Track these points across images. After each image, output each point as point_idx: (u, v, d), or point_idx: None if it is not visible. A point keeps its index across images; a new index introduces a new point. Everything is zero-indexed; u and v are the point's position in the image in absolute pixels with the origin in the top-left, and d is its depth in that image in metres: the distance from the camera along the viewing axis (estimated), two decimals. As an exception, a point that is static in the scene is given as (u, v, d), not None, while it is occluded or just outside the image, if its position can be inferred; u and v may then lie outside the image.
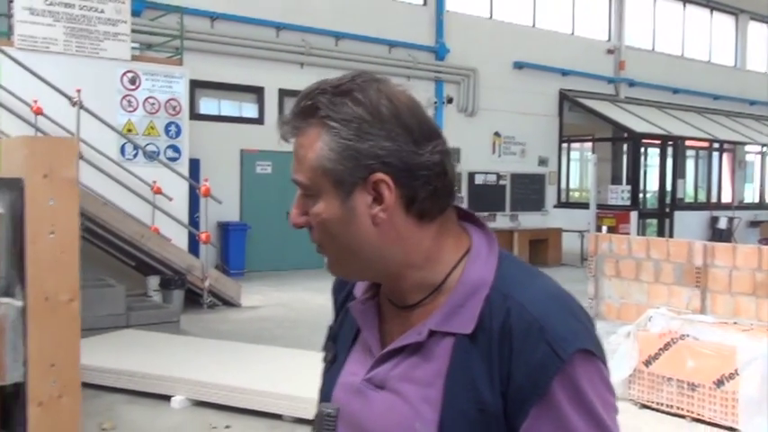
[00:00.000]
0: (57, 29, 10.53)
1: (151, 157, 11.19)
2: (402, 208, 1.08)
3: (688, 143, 20.18)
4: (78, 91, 9.87)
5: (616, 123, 18.85)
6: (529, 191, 18.64)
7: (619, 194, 17.96)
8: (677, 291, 6.91)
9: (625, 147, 19.89)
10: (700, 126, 20.58)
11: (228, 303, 10.48)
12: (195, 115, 13.25)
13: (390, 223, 1.09)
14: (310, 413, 4.46)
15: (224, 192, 12.27)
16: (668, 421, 5.62)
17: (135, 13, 11.99)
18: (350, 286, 1.28)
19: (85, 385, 3.60)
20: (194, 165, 12.58)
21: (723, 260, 6.61)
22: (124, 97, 11.25)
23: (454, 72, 17.11)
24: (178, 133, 11.80)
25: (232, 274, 12.25)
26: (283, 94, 14.81)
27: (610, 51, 20.52)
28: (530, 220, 17.49)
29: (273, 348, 7.49)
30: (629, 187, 18.12)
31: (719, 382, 5.42)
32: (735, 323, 5.95)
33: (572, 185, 21.35)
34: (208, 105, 14.23)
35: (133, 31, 11.42)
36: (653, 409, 5.75)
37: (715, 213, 19.88)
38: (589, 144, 21.13)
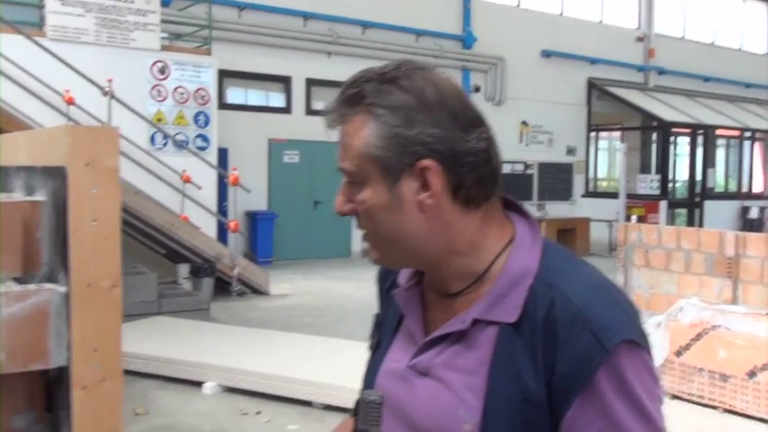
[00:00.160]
0: (87, 19, 10.64)
1: (180, 146, 11.29)
2: (448, 195, 1.09)
3: (718, 132, 19.92)
4: (109, 81, 9.98)
5: (645, 112, 18.66)
6: (556, 180, 18.53)
7: (648, 184, 17.79)
8: (708, 281, 6.85)
9: (654, 135, 19.68)
10: (730, 114, 20.30)
11: (257, 291, 10.56)
12: (223, 105, 13.32)
13: (437, 210, 1.09)
14: (340, 400, 4.52)
15: (252, 181, 12.34)
16: (699, 412, 5.58)
17: (164, 4, 12.07)
18: (394, 275, 1.29)
19: (119, 371, 3.67)
20: (222, 154, 12.67)
21: (755, 250, 6.54)
22: (154, 87, 11.34)
23: (481, 61, 17.02)
24: (207, 122, 11.88)
25: (260, 262, 12.34)
26: (311, 83, 14.83)
27: (639, 39, 20.28)
28: (557, 210, 17.39)
29: (302, 336, 7.55)
30: (658, 176, 17.93)
31: (752, 373, 5.37)
32: (767, 314, 5.89)
33: (600, 175, 21.16)
34: (235, 95, 14.29)
35: (162, 21, 11.49)
36: (684, 399, 5.72)
37: (746, 203, 19.62)
38: (617, 133, 20.94)
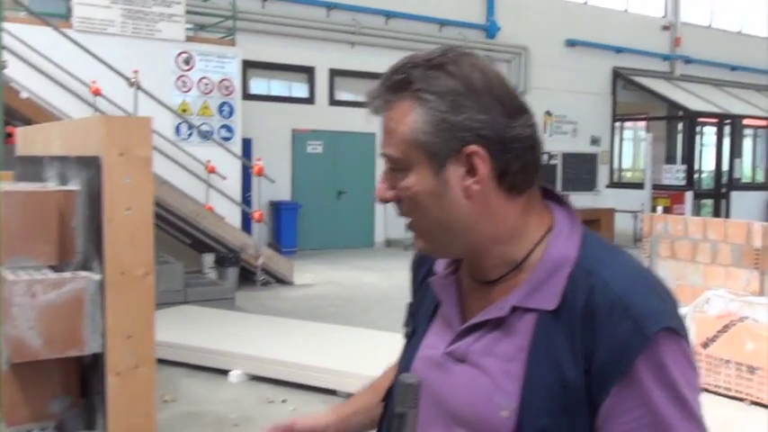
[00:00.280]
0: (113, 10, 10.72)
1: (205, 136, 11.36)
2: (494, 181, 1.09)
3: (746, 122, 19.66)
4: (135, 72, 10.06)
5: (671, 101, 18.47)
6: (580, 170, 18.40)
7: (673, 174, 17.63)
8: (735, 272, 6.79)
9: (680, 125, 19.48)
10: (758, 104, 20.02)
11: (281, 281, 10.62)
12: (247, 95, 13.37)
13: (482, 196, 1.10)
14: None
15: (275, 171, 12.39)
16: (726, 404, 5.55)
17: (188, -6, 12.14)
18: (429, 263, 1.30)
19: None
20: (246, 144, 12.73)
21: (784, 241, 6.47)
22: (179, 78, 11.41)
23: (505, 50, 16.92)
24: (231, 113, 11.94)
25: (284, 252, 12.40)
26: (334, 73, 14.84)
27: (665, 28, 20.05)
28: (581, 201, 17.27)
29: (327, 325, 7.59)
30: (684, 167, 17.76)
31: (779, 365, 5.32)
32: (795, 305, 5.83)
33: (624, 165, 20.99)
34: (259, 85, 14.34)
35: (187, 12, 11.55)
36: (711, 391, 5.68)
37: (773, 194, 19.40)
38: (643, 123, 20.73)
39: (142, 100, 10.19)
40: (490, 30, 16.76)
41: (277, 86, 14.72)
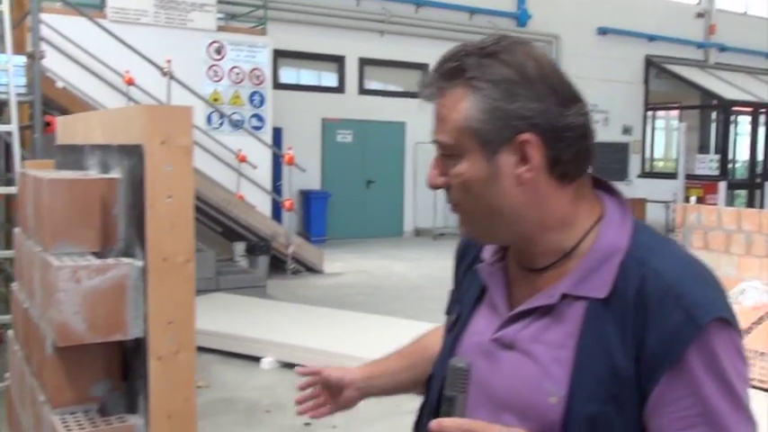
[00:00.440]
0: (146, 1, 10.81)
1: (236, 125, 11.43)
2: (546, 169, 1.10)
3: (782, 110, 19.35)
4: (169, 61, 10.14)
5: (705, 90, 18.21)
6: (612, 160, 18.23)
7: (707, 164, 17.40)
8: (770, 263, 6.70)
9: (714, 114, 19.21)
10: (794, 93, 19.69)
11: (311, 270, 10.68)
12: (277, 84, 13.42)
13: (533, 184, 1.10)
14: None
15: (305, 160, 12.43)
16: (762, 397, 5.48)
17: (220, -16, 12.20)
18: (475, 251, 1.31)
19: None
20: (277, 133, 12.79)
21: (820, 232, 6.37)
22: (210, 67, 11.49)
23: (536, 39, 16.74)
24: (262, 102, 12.00)
25: (313, 241, 12.46)
26: (364, 62, 14.83)
27: (699, 15, 19.75)
28: (612, 190, 17.11)
29: (357, 314, 7.63)
30: (717, 156, 17.53)
31: (815, 358, 5.25)
32: (832, 297, 5.75)
33: (656, 155, 20.76)
34: (288, 74, 14.38)
35: (218, 1, 11.61)
36: (743, 383, 5.61)
37: (810, 184, 19.06)
38: (675, 112, 20.47)
39: (174, 89, 10.28)
40: (521, 18, 16.64)
41: (307, 76, 14.76)
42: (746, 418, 1.05)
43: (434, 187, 1.15)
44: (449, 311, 1.35)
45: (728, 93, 17.95)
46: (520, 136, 1.08)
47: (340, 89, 14.77)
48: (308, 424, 4.96)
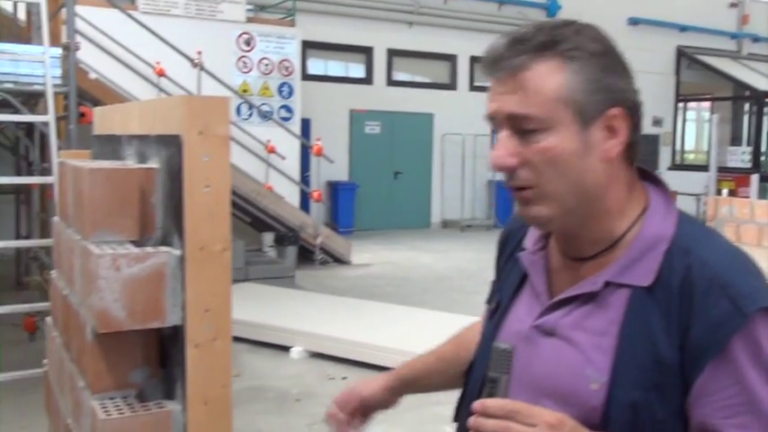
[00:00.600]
0: (177, -8, 10.89)
1: (265, 116, 11.48)
2: (623, 148, 1.11)
3: (816, 102, 19.02)
4: (199, 53, 10.21)
5: (738, 81, 17.94)
6: (642, 152, 17.75)
7: (739, 156, 17.17)
8: (804, 257, 6.61)
9: (746, 106, 18.93)
10: (830, 84, 19.34)
11: (339, 260, 10.72)
12: (306, 76, 13.45)
13: (613, 163, 1.11)
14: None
15: (333, 151, 12.46)
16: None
17: (249, -25, 12.23)
18: (517, 239, 1.31)
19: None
20: (305, 124, 12.82)
21: None
22: (240, 58, 11.54)
23: (566, 29, 16.62)
24: (290, 93, 12.04)
25: (341, 232, 12.50)
26: (392, 53, 14.80)
27: (732, 4, 19.43)
28: (642, 182, 16.95)
29: (386, 304, 7.65)
30: (749, 149, 17.28)
31: None
32: None
33: (687, 147, 20.51)
34: (316, 65, 14.40)
35: (247, -8, 11.67)
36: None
37: None
38: (707, 104, 20.21)
39: (204, 80, 10.34)
40: (551, 8, 16.49)
41: (335, 67, 14.77)
42: None
43: (503, 169, 1.11)
44: (489, 300, 1.35)
45: (762, 84, 17.67)
46: (611, 110, 1.09)
47: (368, 80, 14.77)
48: (336, 413, 4.99)
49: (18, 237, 8.84)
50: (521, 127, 1.09)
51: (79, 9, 8.04)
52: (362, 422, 1.55)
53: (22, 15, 7.99)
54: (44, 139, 6.58)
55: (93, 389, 1.60)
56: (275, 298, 7.69)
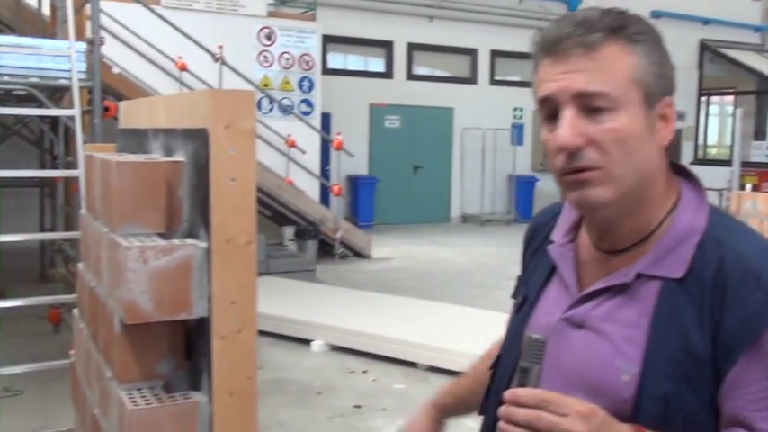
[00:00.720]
0: (198, -13, 10.93)
1: (286, 111, 11.51)
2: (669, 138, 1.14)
3: (842, 96, 18.78)
4: (220, 47, 10.25)
5: (762, 75, 17.73)
6: (663, 146, 17.90)
7: (762, 151, 16.97)
8: (829, 252, 6.54)
9: (771, 100, 18.74)
10: None
11: (359, 254, 10.74)
12: (326, 70, 13.46)
13: (663, 151, 1.13)
14: (444, 362, 4.57)
15: (353, 145, 12.47)
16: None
17: (270, -30, 12.26)
18: (544, 233, 1.31)
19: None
20: (325, 119, 12.84)
21: None
22: (260, 53, 11.58)
23: (588, 23, 16.50)
24: (311, 88, 12.06)
25: (361, 226, 12.51)
26: (412, 48, 14.78)
27: (757, -2, 19.25)
28: (664, 177, 16.82)
29: (406, 299, 7.65)
30: (774, 143, 17.10)
31: None
32: None
33: (710, 141, 20.32)
34: (336, 59, 14.41)
35: (268, -13, 11.70)
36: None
37: None
38: (729, 98, 19.99)
39: (225, 75, 10.38)
40: (572, 2, 16.39)
41: (355, 61, 14.77)
42: None
43: (569, 149, 1.08)
44: (515, 294, 1.36)
45: (787, 78, 17.49)
46: (667, 97, 1.12)
47: (388, 74, 14.76)
48: (357, 406, 5.02)
49: (42, 229, 8.93)
50: (590, 105, 1.08)
51: (103, 5, 8.11)
52: None
53: (46, 10, 8.06)
54: (68, 132, 6.64)
55: (120, 379, 1.62)
56: (296, 292, 7.73)
